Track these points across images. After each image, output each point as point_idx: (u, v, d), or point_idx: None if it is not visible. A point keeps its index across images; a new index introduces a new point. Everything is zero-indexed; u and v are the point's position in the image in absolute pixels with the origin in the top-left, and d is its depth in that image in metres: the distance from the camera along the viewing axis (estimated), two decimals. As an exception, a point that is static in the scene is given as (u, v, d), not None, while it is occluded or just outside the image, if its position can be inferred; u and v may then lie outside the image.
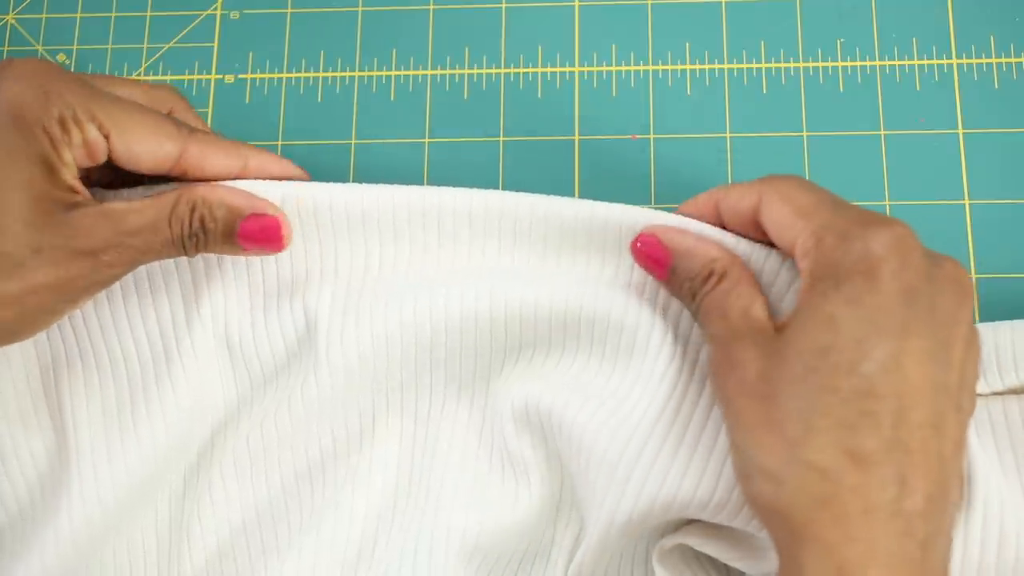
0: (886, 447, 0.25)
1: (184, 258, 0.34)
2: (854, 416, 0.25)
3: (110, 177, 0.34)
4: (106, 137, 0.31)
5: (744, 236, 0.31)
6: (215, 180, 0.33)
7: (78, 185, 0.31)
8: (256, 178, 0.33)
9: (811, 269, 0.27)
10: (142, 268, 0.34)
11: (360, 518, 0.35)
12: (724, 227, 0.31)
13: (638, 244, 0.32)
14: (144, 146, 0.31)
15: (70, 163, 0.30)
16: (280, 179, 0.34)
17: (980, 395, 0.33)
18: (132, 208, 0.31)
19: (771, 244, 0.30)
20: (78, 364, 0.35)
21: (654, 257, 0.31)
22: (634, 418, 0.31)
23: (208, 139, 0.33)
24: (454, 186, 0.37)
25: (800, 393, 0.26)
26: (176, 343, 0.34)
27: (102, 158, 0.31)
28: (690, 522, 0.33)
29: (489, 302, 0.33)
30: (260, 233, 0.32)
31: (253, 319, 0.34)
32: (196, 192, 0.32)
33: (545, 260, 0.34)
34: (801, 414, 0.25)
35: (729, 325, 0.28)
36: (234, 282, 0.34)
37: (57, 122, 0.30)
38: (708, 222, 0.31)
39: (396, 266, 0.34)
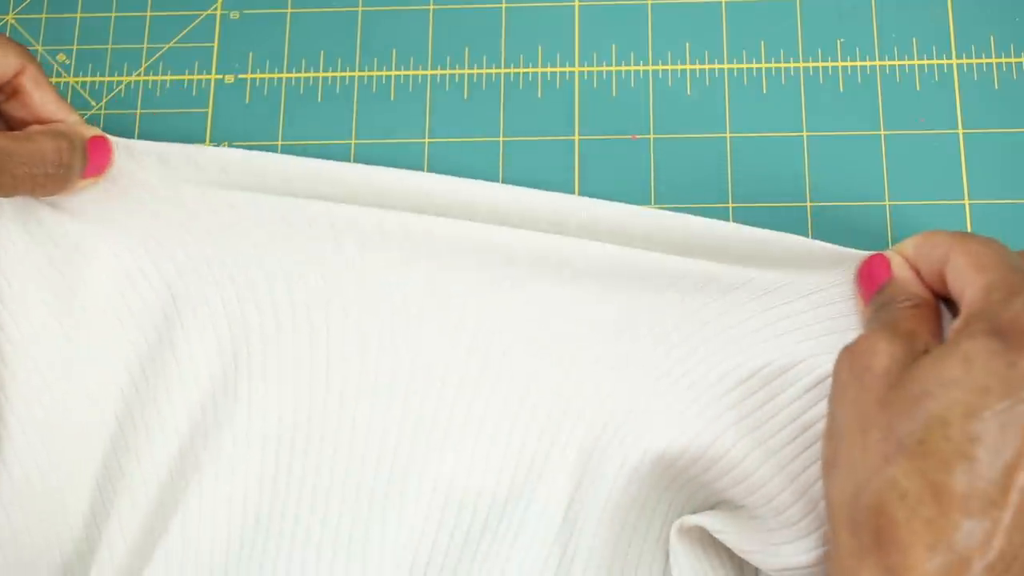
0: (974, 494, 0.24)
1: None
2: (952, 454, 0.24)
3: None
4: None
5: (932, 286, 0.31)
6: (39, 116, 0.34)
7: None
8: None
9: (968, 314, 0.27)
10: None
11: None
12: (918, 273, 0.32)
13: (870, 260, 0.32)
14: None
15: None
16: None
17: None
18: None
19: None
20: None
21: (874, 274, 0.32)
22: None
23: (46, 77, 0.35)
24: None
25: (911, 413, 0.25)
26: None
27: None
28: (712, 507, 0.33)
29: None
30: (99, 162, 0.35)
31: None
32: (50, 126, 0.34)
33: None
34: (902, 433, 0.25)
35: (891, 326, 0.28)
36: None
37: None
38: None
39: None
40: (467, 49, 0.41)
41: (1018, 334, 0.25)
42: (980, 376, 0.25)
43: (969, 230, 0.38)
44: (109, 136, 0.35)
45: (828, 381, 0.30)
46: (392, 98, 0.41)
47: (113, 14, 0.42)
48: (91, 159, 0.34)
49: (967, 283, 0.28)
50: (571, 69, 0.40)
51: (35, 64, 0.34)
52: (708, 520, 0.32)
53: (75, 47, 0.42)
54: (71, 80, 0.41)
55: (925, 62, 0.39)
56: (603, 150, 0.39)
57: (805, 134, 0.39)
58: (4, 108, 0.34)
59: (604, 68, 0.40)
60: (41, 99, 0.34)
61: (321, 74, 0.41)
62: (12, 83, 0.34)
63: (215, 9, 0.42)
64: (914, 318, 0.29)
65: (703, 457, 0.31)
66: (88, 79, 0.41)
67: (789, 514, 0.30)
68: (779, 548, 0.31)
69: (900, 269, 0.31)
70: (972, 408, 0.25)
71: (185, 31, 0.42)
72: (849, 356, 0.28)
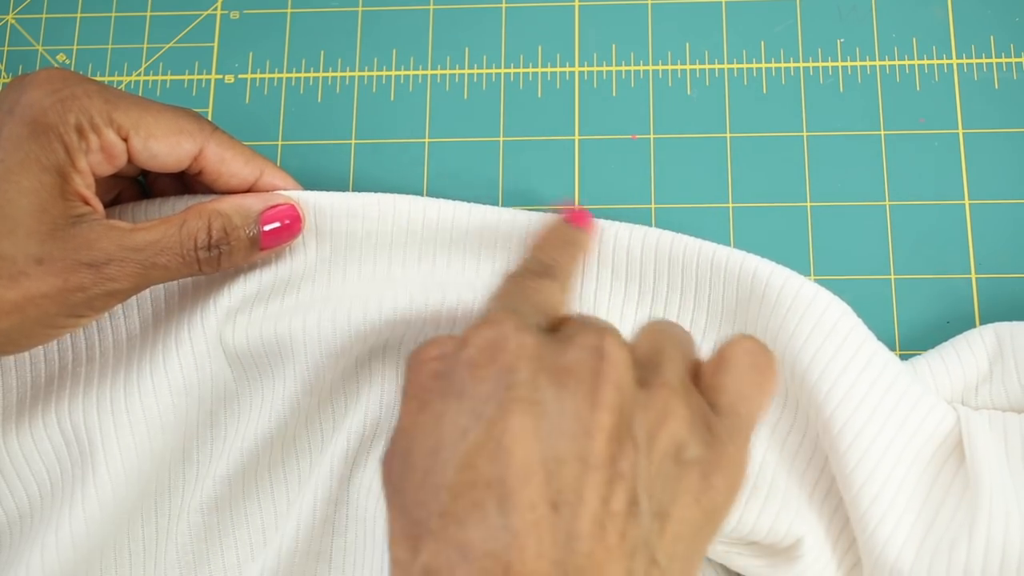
0: (490, 535, 0.23)
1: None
2: (465, 510, 0.23)
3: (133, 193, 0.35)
4: (124, 139, 0.31)
5: None
6: (229, 185, 0.34)
7: (89, 195, 0.31)
8: (264, 190, 0.35)
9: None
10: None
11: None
12: None
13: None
14: (163, 145, 0.32)
15: (84, 170, 0.31)
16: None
17: (997, 408, 0.33)
18: (140, 226, 0.31)
19: None
20: (82, 365, 0.35)
21: None
22: None
23: (229, 143, 0.33)
24: (454, 186, 0.38)
25: (421, 499, 0.24)
26: (175, 343, 0.34)
27: (121, 161, 0.31)
28: None
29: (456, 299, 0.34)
30: (280, 227, 0.33)
31: (249, 324, 0.35)
32: (206, 207, 0.32)
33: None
34: (421, 520, 0.24)
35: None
36: (231, 288, 0.35)
37: (74, 129, 0.30)
38: None
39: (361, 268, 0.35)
40: (467, 49, 0.41)
41: (467, 367, 0.25)
42: (453, 424, 0.24)
43: (969, 230, 0.38)
44: (299, 200, 0.34)
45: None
46: (392, 98, 0.41)
47: (113, 14, 0.42)
48: (266, 234, 0.33)
49: None
50: (571, 69, 0.40)
51: (215, 138, 0.33)
52: None
53: (75, 47, 0.42)
54: (71, 80, 0.41)
55: (925, 62, 0.39)
56: (603, 150, 0.39)
57: (805, 134, 0.39)
58: (199, 182, 0.34)
59: (604, 68, 0.40)
60: (228, 171, 0.33)
61: (321, 74, 0.41)
62: (193, 166, 0.33)
63: (215, 9, 0.42)
64: None
65: None
66: (88, 79, 0.41)
67: (792, 531, 0.30)
68: (773, 560, 0.31)
69: None
70: (460, 456, 0.24)
71: (185, 31, 0.42)
72: (384, 472, 0.27)
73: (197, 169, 0.33)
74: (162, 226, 0.31)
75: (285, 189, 0.35)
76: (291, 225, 0.34)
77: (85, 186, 0.31)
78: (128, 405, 0.33)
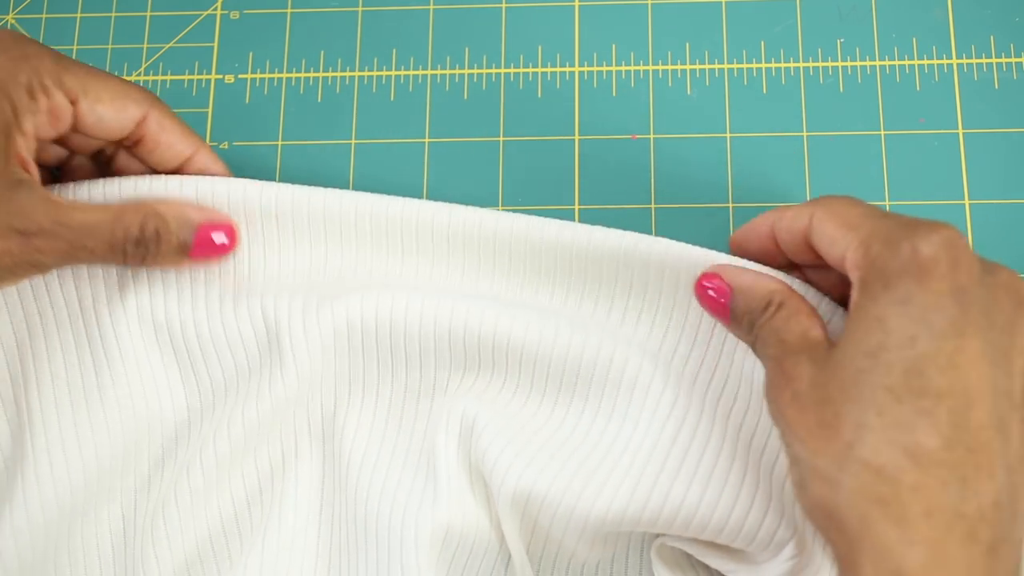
0: (946, 445, 0.24)
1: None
2: (910, 414, 0.24)
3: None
4: (73, 103, 0.31)
5: (797, 258, 0.31)
6: (164, 158, 0.34)
7: (29, 160, 0.31)
8: (196, 172, 0.34)
9: (860, 277, 0.26)
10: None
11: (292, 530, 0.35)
12: (780, 249, 0.31)
13: (703, 282, 0.31)
14: (110, 109, 0.32)
15: (29, 133, 0.31)
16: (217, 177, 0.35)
17: None
18: (79, 205, 0.31)
19: (822, 267, 0.30)
20: (43, 350, 0.35)
21: (717, 294, 0.31)
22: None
23: (170, 113, 0.34)
24: (454, 186, 0.37)
25: (853, 395, 0.25)
26: (117, 344, 0.34)
27: (65, 125, 0.32)
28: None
29: (450, 314, 0.33)
30: (212, 244, 0.33)
31: (210, 324, 0.34)
32: (147, 205, 0.32)
33: (525, 290, 0.35)
34: (855, 415, 0.25)
35: (786, 346, 0.28)
36: (181, 285, 0.34)
37: (24, 88, 0.30)
38: (764, 245, 0.31)
39: (357, 270, 0.35)
40: (467, 49, 0.41)
41: (912, 277, 0.25)
42: (900, 329, 0.25)
43: (969, 230, 0.38)
44: (234, 223, 0.34)
45: None
46: (392, 98, 0.41)
47: (113, 14, 0.42)
48: (198, 244, 0.33)
49: (844, 246, 0.27)
50: (571, 69, 0.40)
51: (157, 107, 0.33)
52: (687, 545, 0.32)
53: (75, 47, 0.42)
54: (71, 80, 0.41)
55: (925, 62, 0.39)
56: (603, 150, 0.39)
57: (805, 134, 0.39)
58: (133, 155, 0.34)
59: (604, 68, 0.40)
60: (166, 140, 0.33)
61: (321, 74, 0.41)
62: (134, 133, 0.33)
63: (215, 9, 0.42)
64: (791, 319, 0.28)
65: (679, 514, 0.31)
66: (88, 79, 0.41)
67: (777, 537, 0.30)
68: (761, 566, 0.31)
69: (735, 276, 0.30)
70: (907, 361, 0.24)
71: (185, 31, 0.42)
72: (775, 393, 0.28)
73: (137, 137, 0.33)
74: (99, 211, 0.31)
75: (215, 172, 0.35)
76: (226, 243, 0.33)
77: (27, 150, 0.31)
78: (77, 420, 0.34)
